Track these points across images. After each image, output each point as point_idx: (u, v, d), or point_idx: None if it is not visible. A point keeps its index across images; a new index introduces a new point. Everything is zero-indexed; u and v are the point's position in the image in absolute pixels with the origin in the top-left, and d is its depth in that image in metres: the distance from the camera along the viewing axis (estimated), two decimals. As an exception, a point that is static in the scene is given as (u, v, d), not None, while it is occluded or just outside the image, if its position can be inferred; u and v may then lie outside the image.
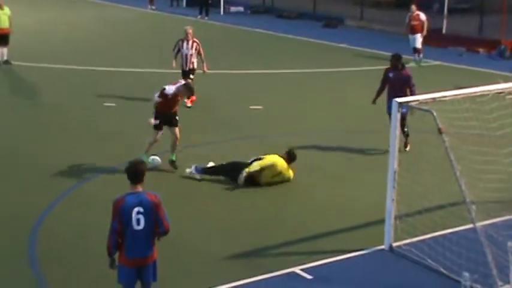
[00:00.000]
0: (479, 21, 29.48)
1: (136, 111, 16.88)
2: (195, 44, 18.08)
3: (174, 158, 13.33)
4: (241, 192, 12.50)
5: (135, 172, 7.74)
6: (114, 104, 17.98)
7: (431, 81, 20.14)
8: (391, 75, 14.69)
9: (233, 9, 38.61)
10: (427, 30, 24.66)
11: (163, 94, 13.10)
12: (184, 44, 18.03)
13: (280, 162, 12.80)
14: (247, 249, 10.23)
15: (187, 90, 13.40)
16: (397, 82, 14.34)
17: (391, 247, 10.24)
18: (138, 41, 28.38)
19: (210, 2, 35.36)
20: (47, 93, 19.24)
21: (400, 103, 10.06)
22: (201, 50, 18.15)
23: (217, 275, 9.46)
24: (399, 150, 10.34)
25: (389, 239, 10.26)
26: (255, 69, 23.21)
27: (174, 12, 36.91)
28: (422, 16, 24.51)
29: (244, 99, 19.03)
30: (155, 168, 12.99)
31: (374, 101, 14.96)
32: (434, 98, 10.04)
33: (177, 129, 13.36)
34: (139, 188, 7.74)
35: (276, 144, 15.24)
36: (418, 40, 24.44)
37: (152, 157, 13.24)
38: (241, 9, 38.96)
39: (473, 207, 9.30)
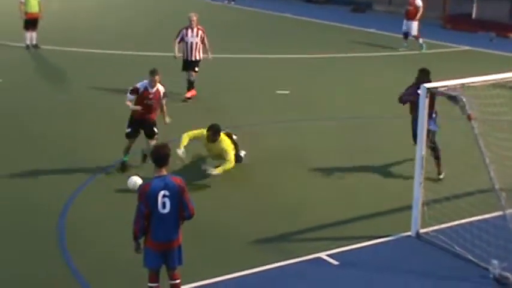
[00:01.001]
0: (510, 6, 29.05)
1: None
2: (200, 32, 17.00)
3: (126, 159, 12.58)
4: (267, 177, 12.50)
5: (159, 155, 7.77)
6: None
7: (461, 67, 19.94)
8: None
9: (261, -7, 38.50)
10: (420, 17, 23.93)
11: (133, 89, 12.32)
12: (189, 32, 16.95)
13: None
14: (273, 235, 10.22)
15: (150, 74, 12.27)
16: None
17: (418, 234, 10.18)
18: (165, 25, 28.39)
19: (237, -14, 35.28)
20: (74, 78, 19.36)
21: (428, 88, 9.94)
22: (206, 38, 17.10)
23: (243, 259, 9.48)
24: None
25: (417, 225, 10.19)
26: (283, 54, 23.14)
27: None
28: (418, 2, 23.95)
29: (272, 84, 18.98)
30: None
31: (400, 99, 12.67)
32: (463, 84, 9.92)
33: (153, 143, 12.15)
34: (164, 172, 7.76)
35: (301, 128, 15.26)
36: (414, 27, 23.85)
37: (134, 178, 11.37)
38: (269, -7, 38.81)
39: (503, 194, 9.20)
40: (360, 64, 22.25)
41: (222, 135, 12.23)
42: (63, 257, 9.49)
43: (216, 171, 11.88)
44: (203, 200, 11.20)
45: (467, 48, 25.13)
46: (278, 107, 17.02)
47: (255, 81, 19.57)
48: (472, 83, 10.06)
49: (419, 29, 24.17)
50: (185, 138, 12.20)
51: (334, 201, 11.53)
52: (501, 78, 10.36)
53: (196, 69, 17.11)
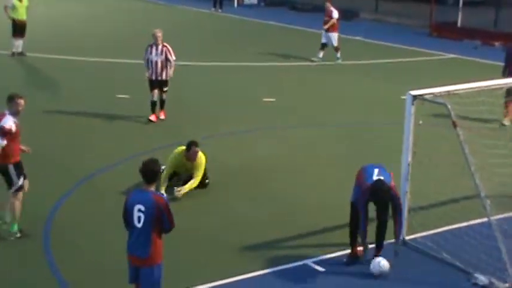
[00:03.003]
0: (495, 14, 29.29)
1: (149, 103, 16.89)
2: (164, 49, 15.72)
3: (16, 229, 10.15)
4: (255, 186, 12.49)
5: (145, 172, 7.60)
6: (127, 96, 18.00)
7: (446, 74, 20.03)
8: None
9: (247, 1, 38.60)
10: (328, 28, 23.26)
11: (4, 131, 9.65)
12: (153, 49, 15.72)
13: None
14: (260, 242, 10.20)
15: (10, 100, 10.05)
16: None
17: (404, 240, 10.20)
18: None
19: (224, -6, 35.23)
20: (60, 85, 19.30)
21: (415, 96, 9.96)
22: (171, 55, 15.79)
23: (227, 268, 9.45)
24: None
25: (403, 232, 10.21)
26: (270, 62, 23.16)
27: (188, 5, 36.87)
28: (335, 13, 23.41)
29: (258, 92, 18.98)
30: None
31: None
32: (449, 91, 9.97)
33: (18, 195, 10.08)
34: (151, 187, 7.61)
35: (288, 136, 15.28)
36: (334, 38, 23.28)
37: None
38: (254, 1, 38.92)
39: (488, 201, 9.24)
40: (346, 72, 22.27)
41: (200, 153, 11.90)
42: (48, 263, 9.44)
43: (183, 191, 11.62)
44: (186, 207, 11.21)
45: (453, 56, 25.28)
46: (265, 114, 17.02)
47: (242, 89, 19.54)
48: (457, 90, 10.11)
49: (339, 40, 23.80)
50: (164, 179, 11.48)
51: (321, 208, 11.52)
52: (485, 86, 10.42)
53: (165, 89, 15.95)
